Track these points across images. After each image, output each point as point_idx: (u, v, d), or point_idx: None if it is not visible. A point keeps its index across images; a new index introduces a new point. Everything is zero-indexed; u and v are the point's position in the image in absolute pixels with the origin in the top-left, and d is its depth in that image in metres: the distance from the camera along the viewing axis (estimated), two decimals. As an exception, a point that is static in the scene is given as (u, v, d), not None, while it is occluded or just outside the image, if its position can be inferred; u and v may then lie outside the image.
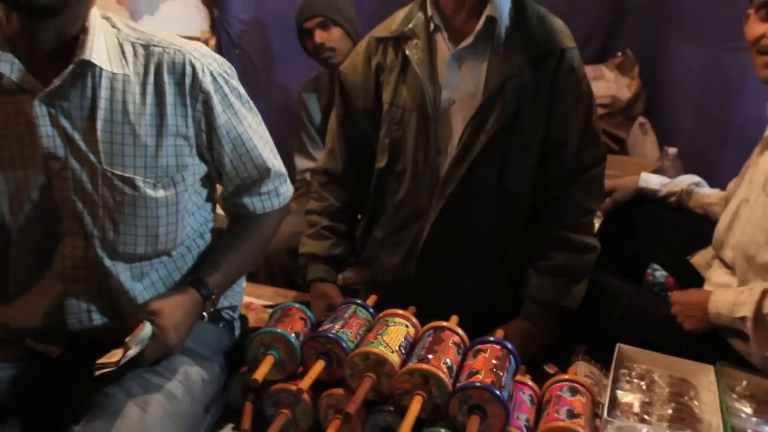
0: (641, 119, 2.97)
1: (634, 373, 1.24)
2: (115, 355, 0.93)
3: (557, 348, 1.40)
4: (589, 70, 3.23)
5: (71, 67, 0.96)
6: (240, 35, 2.80)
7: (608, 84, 3.21)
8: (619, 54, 3.15)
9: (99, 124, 0.99)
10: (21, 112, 0.98)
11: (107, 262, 1.04)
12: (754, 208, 1.26)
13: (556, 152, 1.38)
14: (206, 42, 2.70)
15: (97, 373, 0.92)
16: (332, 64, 2.09)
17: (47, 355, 1.09)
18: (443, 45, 1.37)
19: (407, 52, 1.36)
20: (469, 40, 1.33)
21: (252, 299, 1.60)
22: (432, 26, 1.36)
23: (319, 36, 2.11)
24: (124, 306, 1.06)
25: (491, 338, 1.15)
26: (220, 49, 2.72)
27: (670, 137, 2.80)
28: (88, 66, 0.98)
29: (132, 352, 0.94)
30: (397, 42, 1.39)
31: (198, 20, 2.75)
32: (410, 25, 1.37)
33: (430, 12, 1.35)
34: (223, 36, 2.75)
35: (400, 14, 1.42)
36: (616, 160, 2.80)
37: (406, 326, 1.19)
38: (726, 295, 1.24)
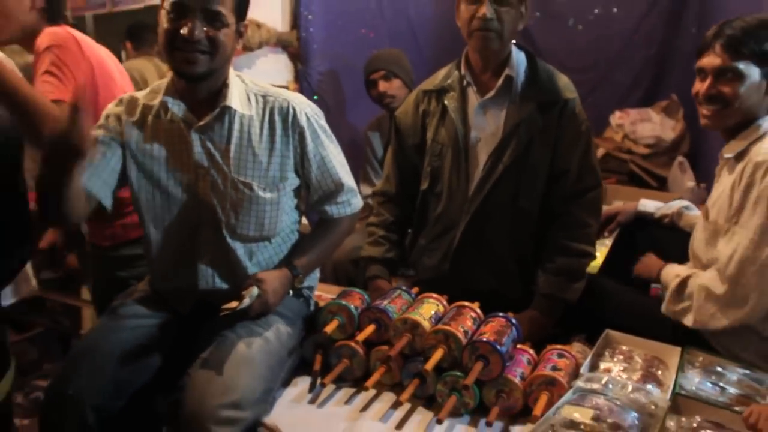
0: (680, 158, 3.23)
1: (616, 351, 1.63)
2: (233, 304, 1.43)
3: (560, 336, 1.77)
4: (636, 113, 3.58)
5: (218, 110, 1.50)
6: (318, 84, 3.38)
7: (653, 126, 3.47)
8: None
9: (232, 147, 1.52)
10: (183, 136, 1.52)
11: (229, 240, 1.53)
12: (700, 223, 1.68)
13: (559, 178, 1.80)
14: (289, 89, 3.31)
15: (222, 314, 1.41)
16: (392, 108, 2.56)
17: (181, 312, 1.60)
18: (473, 96, 1.84)
19: (445, 102, 1.84)
20: (492, 93, 1.80)
21: (322, 293, 2.09)
22: (465, 82, 1.84)
23: (382, 86, 2.63)
24: (238, 275, 1.55)
25: (500, 313, 1.59)
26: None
27: (706, 174, 3.06)
28: (227, 109, 1.51)
29: (246, 301, 1.43)
30: (439, 94, 1.87)
31: (285, 72, 3.40)
32: (448, 81, 1.85)
33: (463, 71, 1.83)
34: (304, 84, 3.34)
35: (442, 72, 1.91)
36: (653, 196, 3.10)
37: (437, 305, 1.65)
38: (675, 269, 1.68)
